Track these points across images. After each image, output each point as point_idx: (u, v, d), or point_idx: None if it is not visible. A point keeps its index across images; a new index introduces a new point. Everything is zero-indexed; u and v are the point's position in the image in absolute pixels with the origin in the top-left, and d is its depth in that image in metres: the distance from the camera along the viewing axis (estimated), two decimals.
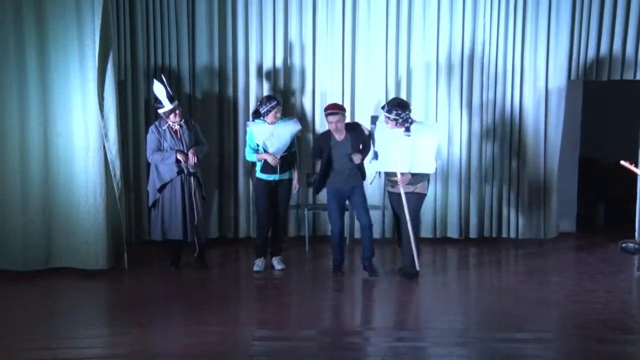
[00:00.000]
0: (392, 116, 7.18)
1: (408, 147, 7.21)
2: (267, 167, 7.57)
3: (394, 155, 7.21)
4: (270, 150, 7.54)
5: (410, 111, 7.25)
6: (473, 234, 9.09)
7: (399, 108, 7.20)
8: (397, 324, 6.20)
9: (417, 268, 7.34)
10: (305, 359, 5.33)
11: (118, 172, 7.43)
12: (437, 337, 5.73)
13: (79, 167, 7.43)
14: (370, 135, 7.48)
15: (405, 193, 7.21)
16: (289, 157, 7.67)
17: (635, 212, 8.00)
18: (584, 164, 9.82)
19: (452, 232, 9.08)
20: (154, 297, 6.83)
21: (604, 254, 8.49)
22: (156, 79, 7.51)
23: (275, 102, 7.58)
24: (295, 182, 7.79)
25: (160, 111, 7.50)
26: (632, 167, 7.34)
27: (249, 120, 8.18)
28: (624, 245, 7.69)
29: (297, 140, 7.90)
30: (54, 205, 7.48)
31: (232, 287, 7.46)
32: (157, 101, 7.46)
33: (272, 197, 7.65)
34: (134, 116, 8.59)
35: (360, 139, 7.44)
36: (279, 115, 7.57)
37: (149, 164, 7.74)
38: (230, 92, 8.78)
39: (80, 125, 7.41)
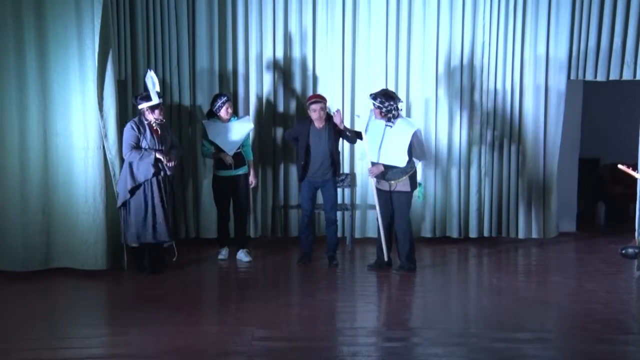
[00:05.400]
0: (377, 103, 7.33)
1: (385, 138, 7.35)
2: (221, 164, 7.89)
3: (372, 144, 7.48)
4: (224, 147, 7.83)
5: (395, 104, 7.33)
6: (473, 233, 9.10)
7: (383, 97, 7.33)
8: (397, 323, 6.18)
9: (385, 259, 7.62)
10: (304, 358, 5.32)
11: (118, 172, 7.42)
12: (437, 337, 5.72)
13: (78, 167, 7.42)
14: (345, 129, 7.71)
15: (392, 192, 7.40)
16: (243, 154, 7.98)
17: (635, 212, 8.00)
18: (584, 164, 9.83)
19: (452, 232, 9.08)
20: (154, 297, 6.82)
21: (604, 253, 8.48)
22: (151, 70, 7.52)
23: (226, 97, 7.93)
24: (251, 178, 8.10)
25: (144, 105, 7.30)
26: (630, 171, 7.34)
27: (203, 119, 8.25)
28: (623, 251, 7.70)
29: (249, 139, 8.20)
30: (53, 205, 7.47)
31: (231, 287, 7.46)
32: (144, 96, 7.33)
33: (228, 192, 7.99)
34: (134, 116, 8.53)
35: (335, 128, 7.73)
36: (230, 110, 7.89)
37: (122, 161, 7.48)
38: (230, 90, 8.77)
39: (79, 125, 7.40)
